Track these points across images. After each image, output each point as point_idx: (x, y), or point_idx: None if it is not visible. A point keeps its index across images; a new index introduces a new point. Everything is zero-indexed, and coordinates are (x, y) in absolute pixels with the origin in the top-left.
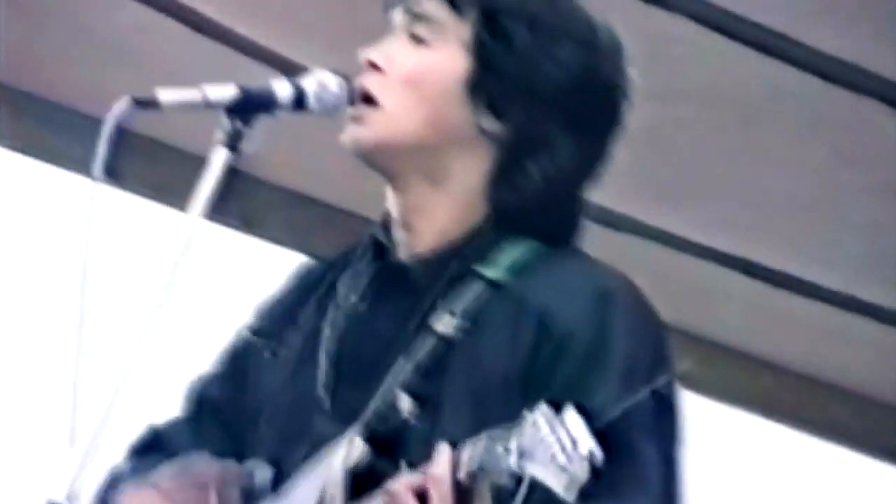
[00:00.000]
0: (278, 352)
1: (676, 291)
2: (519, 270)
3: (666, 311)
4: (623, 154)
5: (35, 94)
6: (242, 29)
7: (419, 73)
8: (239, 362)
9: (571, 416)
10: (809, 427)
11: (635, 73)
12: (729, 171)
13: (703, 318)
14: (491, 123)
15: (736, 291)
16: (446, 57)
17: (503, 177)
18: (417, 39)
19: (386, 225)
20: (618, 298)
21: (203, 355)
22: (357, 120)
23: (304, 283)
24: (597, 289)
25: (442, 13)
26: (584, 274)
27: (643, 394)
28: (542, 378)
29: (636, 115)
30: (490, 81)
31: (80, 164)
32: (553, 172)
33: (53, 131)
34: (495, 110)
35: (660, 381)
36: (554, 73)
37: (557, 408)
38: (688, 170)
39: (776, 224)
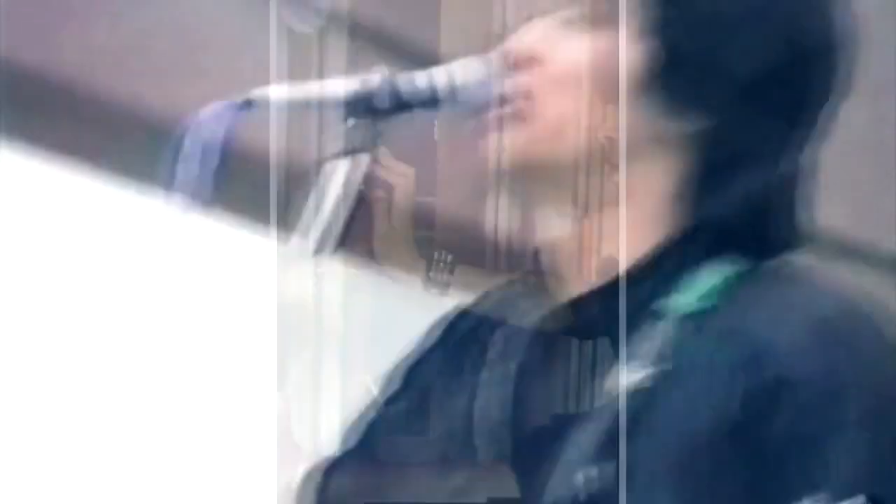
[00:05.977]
0: (424, 424)
1: None
2: (720, 298)
3: None
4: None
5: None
6: None
7: (582, 69)
8: (373, 439)
9: None
10: None
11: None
12: None
13: None
14: (676, 125)
15: None
16: (612, 44)
17: (699, 189)
18: (571, 23)
19: (539, 257)
20: (843, 329)
21: None
22: (515, 119)
23: (454, 338)
24: (815, 318)
25: None
26: (800, 298)
27: None
28: (754, 432)
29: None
30: (671, 73)
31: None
32: (764, 179)
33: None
34: (680, 108)
35: None
36: (757, 51)
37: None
38: None
39: None
